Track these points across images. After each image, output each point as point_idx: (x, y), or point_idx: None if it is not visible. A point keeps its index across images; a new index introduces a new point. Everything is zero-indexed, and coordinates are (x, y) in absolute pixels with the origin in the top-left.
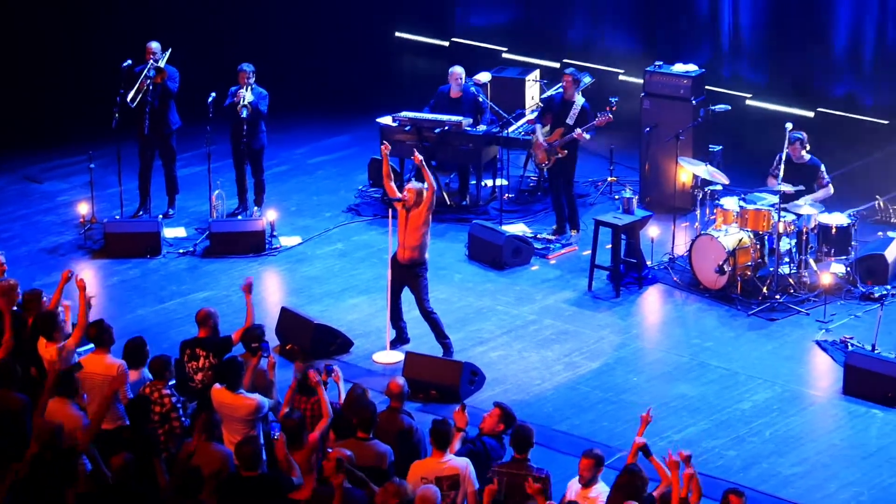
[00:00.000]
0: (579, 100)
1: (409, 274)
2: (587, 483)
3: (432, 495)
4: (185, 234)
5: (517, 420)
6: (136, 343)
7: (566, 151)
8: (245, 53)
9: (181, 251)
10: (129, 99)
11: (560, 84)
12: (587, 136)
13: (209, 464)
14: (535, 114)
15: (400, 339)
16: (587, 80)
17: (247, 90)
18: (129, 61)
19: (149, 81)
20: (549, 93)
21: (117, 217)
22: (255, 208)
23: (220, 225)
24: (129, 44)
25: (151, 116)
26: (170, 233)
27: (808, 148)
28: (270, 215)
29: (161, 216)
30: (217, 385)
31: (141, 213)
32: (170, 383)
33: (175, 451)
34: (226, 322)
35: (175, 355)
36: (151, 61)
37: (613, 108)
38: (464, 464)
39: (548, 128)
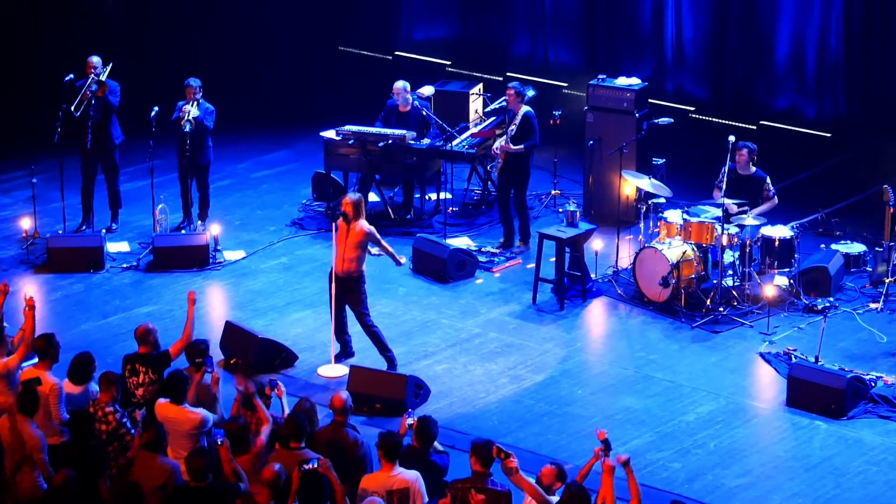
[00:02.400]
0: (522, 110)
1: (346, 288)
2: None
3: None
4: (128, 248)
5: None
6: (82, 359)
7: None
8: (189, 68)
9: (125, 266)
10: (72, 108)
11: (503, 98)
12: (514, 147)
13: (154, 477)
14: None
15: (345, 353)
16: (531, 93)
17: (193, 105)
18: (71, 76)
19: (90, 95)
20: (492, 106)
21: (60, 232)
22: (199, 223)
23: (164, 239)
24: (71, 58)
25: (93, 131)
26: (113, 247)
27: (755, 160)
28: (214, 229)
29: (104, 230)
30: (161, 399)
31: (84, 227)
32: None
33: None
34: (170, 336)
35: (118, 371)
36: (93, 75)
37: (557, 122)
38: (413, 477)
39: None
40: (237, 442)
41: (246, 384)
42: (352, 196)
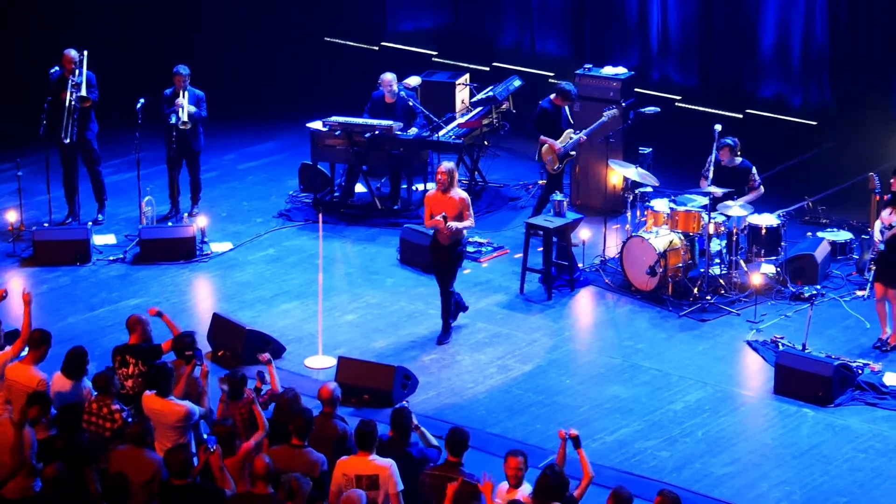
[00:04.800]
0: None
1: (448, 256)
2: (518, 484)
3: (357, 498)
4: (114, 241)
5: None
6: (76, 353)
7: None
8: (174, 59)
9: (111, 258)
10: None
11: (490, 88)
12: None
13: (141, 471)
14: (469, 115)
15: (461, 309)
16: (517, 83)
17: (183, 95)
18: (57, 68)
19: (72, 88)
20: (478, 96)
21: (46, 225)
22: (191, 210)
23: (151, 232)
24: (55, 50)
25: (75, 124)
26: (99, 240)
27: (738, 153)
28: (201, 221)
29: (91, 223)
30: (148, 391)
31: (69, 220)
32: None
33: None
34: (156, 328)
35: (107, 363)
36: (71, 84)
37: None
38: (388, 464)
39: (569, 132)
40: (223, 443)
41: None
42: (447, 165)
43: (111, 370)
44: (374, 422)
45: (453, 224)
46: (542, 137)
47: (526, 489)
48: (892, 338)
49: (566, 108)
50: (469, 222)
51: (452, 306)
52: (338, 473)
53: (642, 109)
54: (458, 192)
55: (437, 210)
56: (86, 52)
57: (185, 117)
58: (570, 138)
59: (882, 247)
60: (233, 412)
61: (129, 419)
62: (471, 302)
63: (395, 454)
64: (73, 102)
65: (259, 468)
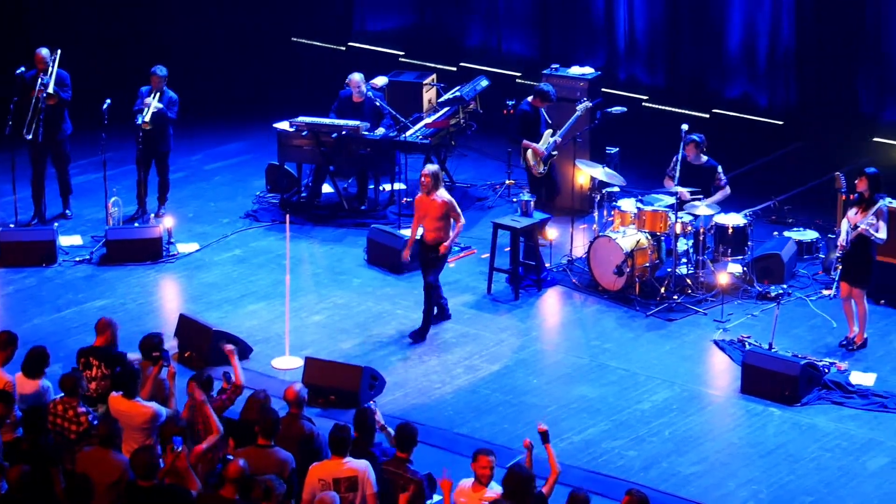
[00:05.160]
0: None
1: (433, 255)
2: (487, 482)
3: (330, 500)
4: (81, 241)
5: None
6: (36, 352)
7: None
8: (142, 59)
9: (77, 259)
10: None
11: (456, 88)
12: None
13: (108, 473)
14: (437, 115)
15: (442, 316)
16: (484, 83)
17: (155, 97)
18: (23, 68)
19: (40, 88)
20: (445, 97)
21: (11, 226)
22: (158, 210)
23: (117, 232)
24: (24, 49)
25: (45, 124)
26: (65, 241)
27: (704, 150)
28: (168, 222)
29: (60, 217)
30: (114, 393)
31: (35, 221)
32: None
33: None
34: (122, 329)
35: (73, 364)
36: (41, 82)
37: (511, 112)
38: (363, 466)
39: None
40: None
41: (197, 394)
42: (430, 167)
43: (78, 372)
44: (347, 426)
45: (448, 242)
46: (524, 142)
47: (495, 489)
48: (859, 336)
49: (543, 109)
50: (458, 226)
51: (435, 308)
52: (312, 479)
53: (609, 109)
54: (442, 195)
55: (423, 212)
56: (59, 51)
57: (147, 118)
58: (549, 141)
59: (848, 246)
60: (198, 417)
61: (95, 421)
62: None
63: (358, 454)
64: (40, 100)
65: (232, 471)
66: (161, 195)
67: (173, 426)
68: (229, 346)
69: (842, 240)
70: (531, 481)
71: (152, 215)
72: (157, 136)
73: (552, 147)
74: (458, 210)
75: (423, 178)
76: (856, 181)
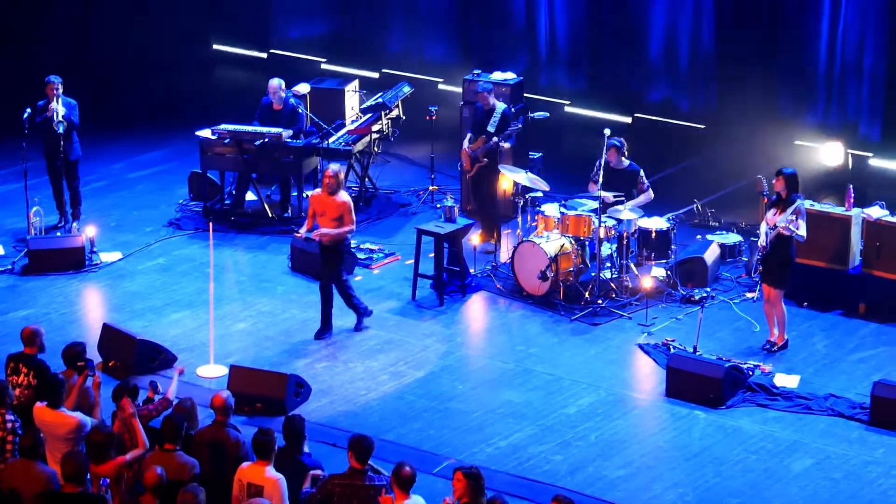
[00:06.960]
0: (499, 107)
1: (330, 255)
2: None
3: None
4: (2, 251)
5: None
6: None
7: (486, 160)
8: (60, 67)
9: None
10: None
11: (378, 95)
12: (506, 145)
13: (33, 484)
14: (359, 122)
15: (364, 315)
16: (406, 89)
17: (57, 103)
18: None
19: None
20: (368, 103)
21: None
22: (74, 223)
23: (39, 242)
24: None
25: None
26: None
27: (626, 154)
28: (90, 231)
29: (68, 225)
30: (39, 403)
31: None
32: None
33: None
34: (48, 340)
35: None
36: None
37: (433, 117)
38: (276, 478)
39: (470, 136)
40: (97, 450)
41: (127, 407)
42: (334, 167)
43: (4, 381)
44: (272, 430)
45: (325, 231)
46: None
47: (417, 501)
48: (779, 338)
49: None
50: (347, 228)
51: (356, 309)
52: (236, 478)
53: (531, 114)
54: (342, 196)
55: (319, 210)
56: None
57: (59, 117)
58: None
59: (768, 247)
60: (126, 430)
61: (19, 431)
62: None
63: (287, 462)
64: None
65: (150, 480)
66: (74, 209)
67: (99, 435)
68: (181, 367)
69: (762, 242)
70: (481, 478)
71: (74, 225)
72: (66, 144)
73: (481, 150)
74: (353, 216)
75: (326, 179)
76: (773, 181)
